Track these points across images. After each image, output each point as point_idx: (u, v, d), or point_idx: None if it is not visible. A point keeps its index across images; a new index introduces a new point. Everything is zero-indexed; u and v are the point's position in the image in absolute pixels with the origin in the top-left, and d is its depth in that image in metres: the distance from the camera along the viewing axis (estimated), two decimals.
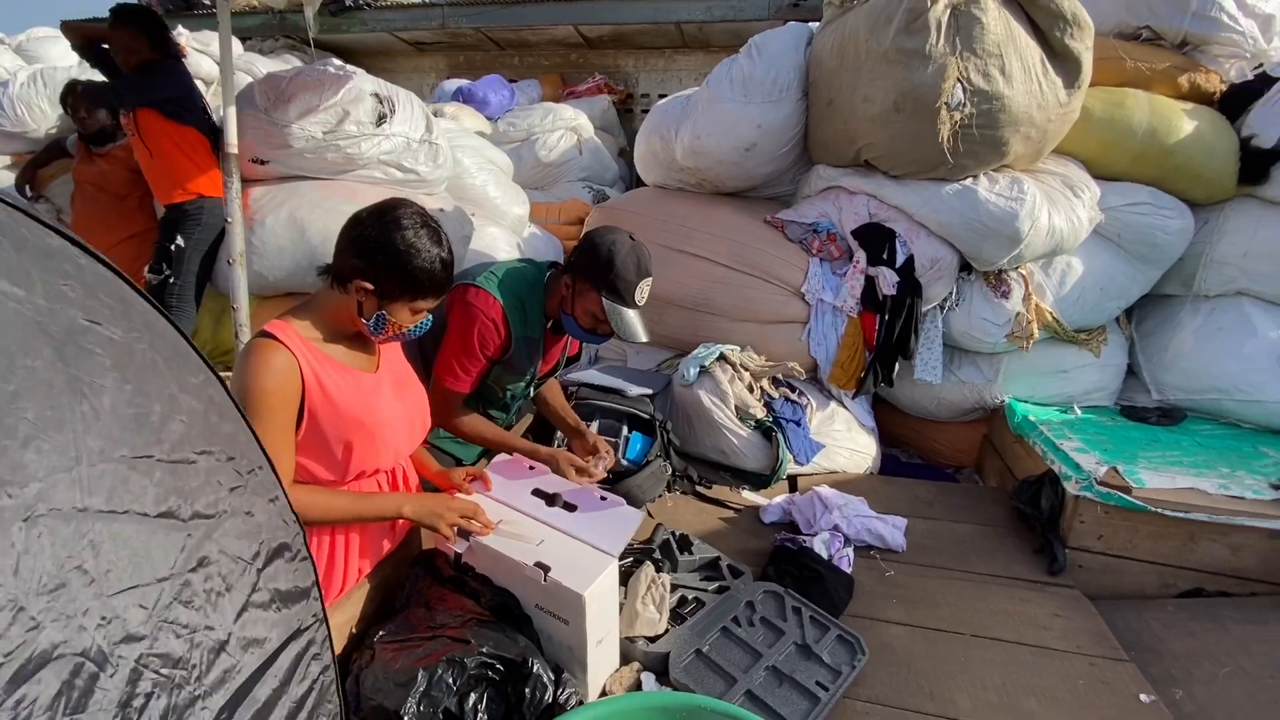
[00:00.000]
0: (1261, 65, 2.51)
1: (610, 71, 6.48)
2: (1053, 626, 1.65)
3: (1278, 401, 2.26)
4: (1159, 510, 1.76)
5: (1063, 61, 2.06)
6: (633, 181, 5.11)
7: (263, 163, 2.40)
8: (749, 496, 2.20)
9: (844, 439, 2.42)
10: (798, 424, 2.34)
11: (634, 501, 1.84)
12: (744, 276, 2.45)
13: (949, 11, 1.96)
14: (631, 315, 1.57)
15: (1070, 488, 1.88)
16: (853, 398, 2.50)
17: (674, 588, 1.57)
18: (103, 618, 0.52)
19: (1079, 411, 2.44)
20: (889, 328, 2.34)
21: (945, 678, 1.47)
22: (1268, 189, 2.34)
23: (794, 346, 2.46)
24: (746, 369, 2.37)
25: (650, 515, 1.94)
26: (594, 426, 2.11)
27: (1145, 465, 1.97)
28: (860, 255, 2.35)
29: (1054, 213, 2.19)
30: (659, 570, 1.57)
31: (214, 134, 2.54)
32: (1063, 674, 1.50)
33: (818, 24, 2.52)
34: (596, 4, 5.58)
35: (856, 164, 2.40)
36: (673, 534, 1.74)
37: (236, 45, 4.74)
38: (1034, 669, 1.51)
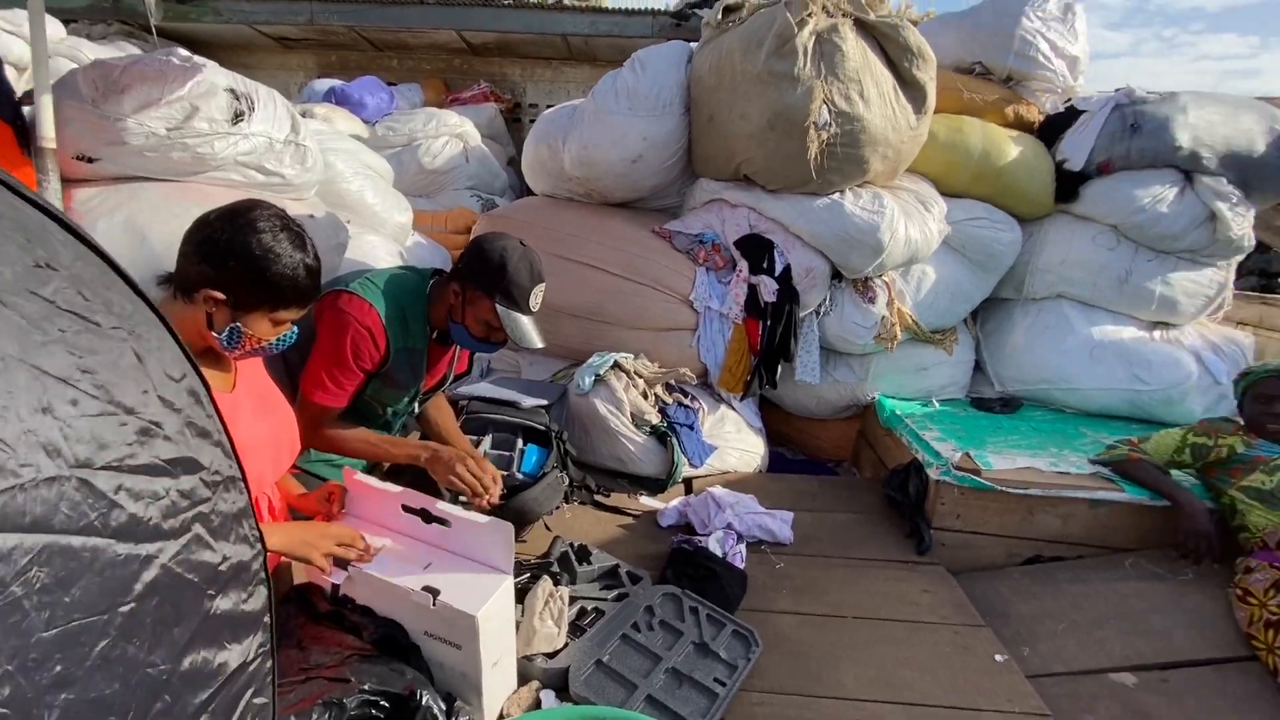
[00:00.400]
0: (1070, 99, 2.93)
1: (497, 80, 6.38)
2: (921, 602, 1.80)
3: (1092, 389, 2.63)
4: (1004, 489, 1.98)
5: (911, 89, 2.29)
6: (522, 191, 5.04)
7: (90, 160, 2.11)
8: (646, 502, 2.22)
9: (734, 440, 2.52)
10: (691, 428, 2.40)
11: (530, 515, 1.80)
12: (635, 285, 2.49)
13: (814, 38, 2.11)
14: (526, 321, 1.54)
15: (932, 474, 2.07)
16: (740, 400, 2.61)
17: (573, 600, 1.55)
18: (33, 659, 0.44)
19: (937, 404, 2.70)
20: (771, 333, 2.47)
21: (832, 660, 1.56)
22: (1078, 206, 2.72)
23: (685, 352, 2.52)
24: (640, 376, 2.40)
25: (548, 528, 1.90)
26: (487, 440, 2.04)
27: (992, 450, 2.21)
28: (743, 265, 2.46)
29: (910, 225, 2.41)
30: (557, 583, 1.54)
31: (24, 126, 2.20)
32: (931, 644, 1.64)
33: (697, 44, 2.62)
34: (480, 10, 5.47)
35: (737, 178, 2.52)
36: (571, 545, 1.72)
37: (57, 27, 4.16)
38: (907, 642, 1.64)
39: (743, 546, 1.94)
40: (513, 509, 1.75)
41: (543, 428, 2.08)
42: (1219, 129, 2.59)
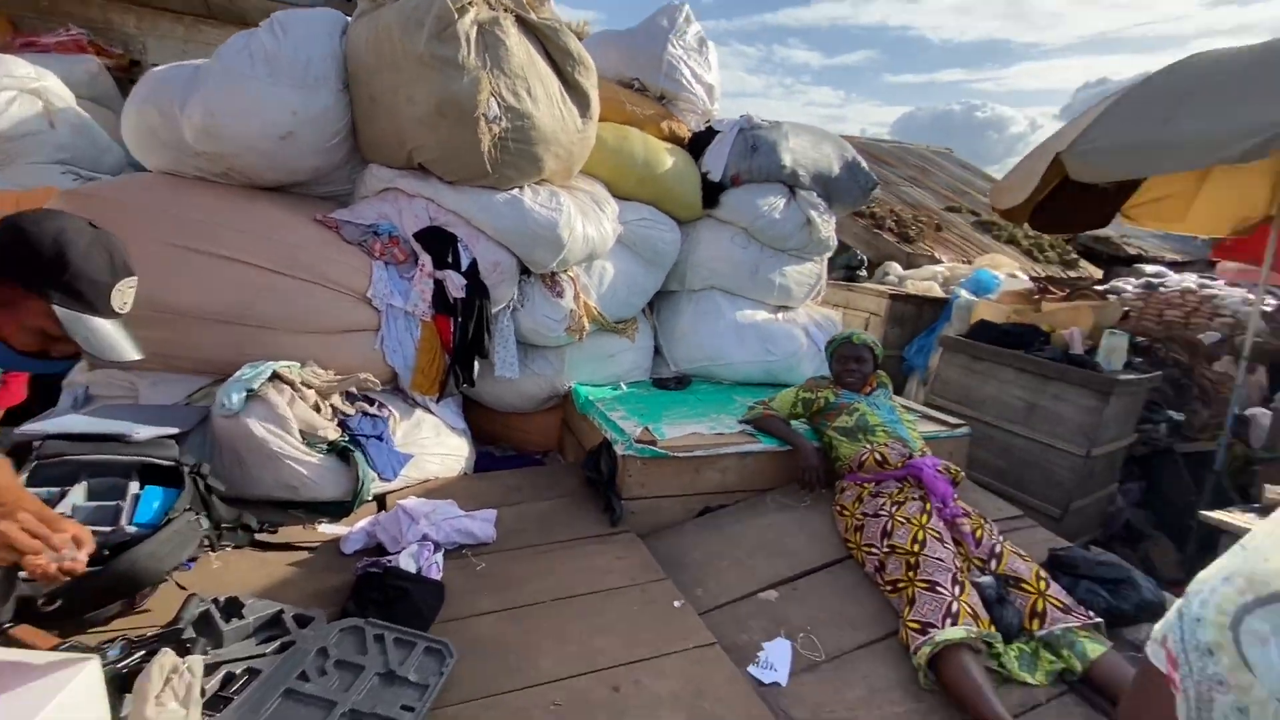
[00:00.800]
0: (710, 121, 3.46)
1: (99, 28, 4.96)
2: (614, 569, 1.93)
3: (739, 362, 3.16)
4: (675, 454, 2.24)
5: (576, 93, 2.43)
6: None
7: None
8: (327, 530, 1.96)
9: (434, 445, 2.38)
10: (380, 438, 2.19)
11: (148, 575, 1.41)
12: (295, 282, 2.16)
13: (476, 28, 2.09)
14: (107, 326, 1.18)
15: (619, 450, 2.24)
16: (438, 402, 2.48)
17: (215, 667, 1.26)
18: None
19: (625, 387, 2.95)
20: (463, 329, 2.39)
21: (532, 648, 1.57)
22: (719, 211, 3.23)
23: (367, 356, 2.29)
24: (310, 386, 2.09)
25: (181, 586, 1.52)
26: (78, 490, 1.55)
27: (667, 421, 2.49)
28: (425, 259, 2.33)
29: (587, 223, 2.57)
30: (188, 652, 1.24)
31: None
32: (623, 606, 1.77)
33: (351, 16, 2.38)
34: None
35: (411, 166, 2.36)
36: (215, 602, 1.40)
37: None
38: (602, 610, 1.74)
39: (440, 556, 1.83)
40: (120, 571, 1.36)
41: (169, 463, 1.66)
42: (809, 153, 3.33)
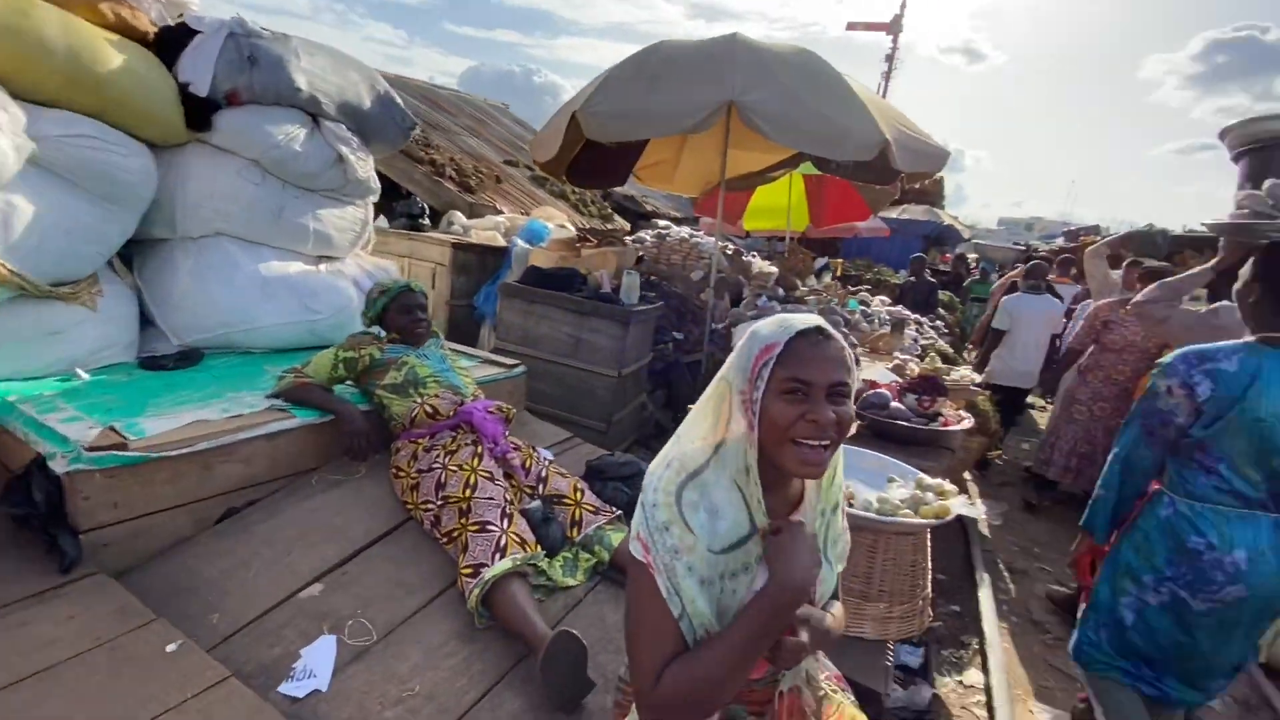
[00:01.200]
0: (183, 16, 2.65)
1: None
2: (64, 634, 1.37)
3: (270, 325, 2.63)
4: (162, 455, 1.71)
5: None
6: None
7: None
8: None
9: None
10: None
11: None
12: None
13: None
14: None
15: (58, 466, 1.58)
16: None
17: None
18: None
19: (86, 375, 2.13)
20: None
21: None
22: (215, 136, 2.54)
23: None
24: None
25: None
26: None
27: (153, 413, 1.89)
28: None
29: None
30: None
31: None
32: (77, 680, 1.26)
33: None
34: None
35: None
36: None
37: None
38: (35, 701, 1.21)
39: None
40: None
41: None
42: (331, 78, 2.89)
